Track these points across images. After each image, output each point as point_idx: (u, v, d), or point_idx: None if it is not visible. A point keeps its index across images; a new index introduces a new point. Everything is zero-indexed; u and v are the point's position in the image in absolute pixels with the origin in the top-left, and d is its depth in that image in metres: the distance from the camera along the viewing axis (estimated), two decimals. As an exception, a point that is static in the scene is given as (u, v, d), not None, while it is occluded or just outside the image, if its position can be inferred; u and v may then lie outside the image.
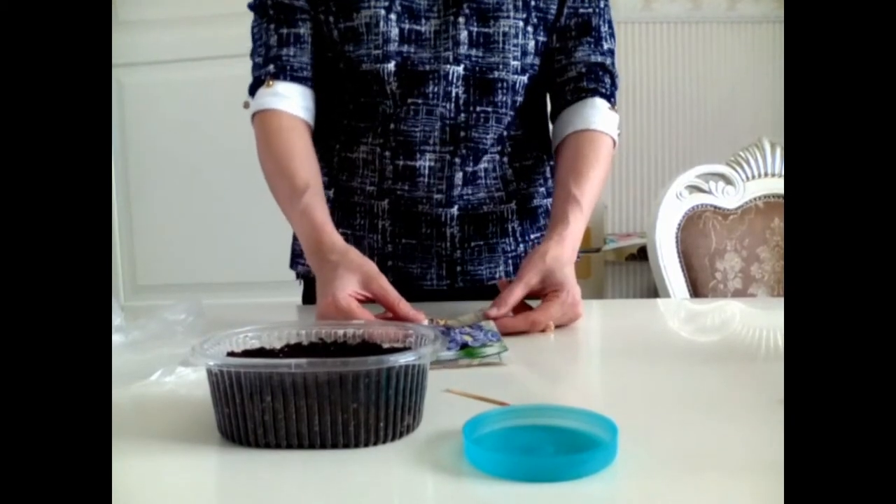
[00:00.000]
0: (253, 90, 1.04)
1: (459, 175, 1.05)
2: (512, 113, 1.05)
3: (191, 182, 2.69)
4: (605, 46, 1.07)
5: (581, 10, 1.05)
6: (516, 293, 0.87)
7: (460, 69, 1.00)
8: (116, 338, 0.83)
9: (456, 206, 1.06)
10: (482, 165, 1.07)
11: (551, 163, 1.15)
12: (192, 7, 2.62)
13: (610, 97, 1.06)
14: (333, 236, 0.90)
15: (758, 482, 0.47)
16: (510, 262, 1.10)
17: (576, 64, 1.06)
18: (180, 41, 2.63)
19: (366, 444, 0.52)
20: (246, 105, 1.06)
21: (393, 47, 0.99)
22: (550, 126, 1.12)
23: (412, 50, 1.00)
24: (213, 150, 2.59)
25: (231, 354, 0.58)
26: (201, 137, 2.63)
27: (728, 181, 1.46)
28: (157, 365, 0.71)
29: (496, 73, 1.01)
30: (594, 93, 1.05)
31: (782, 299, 1.07)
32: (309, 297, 1.15)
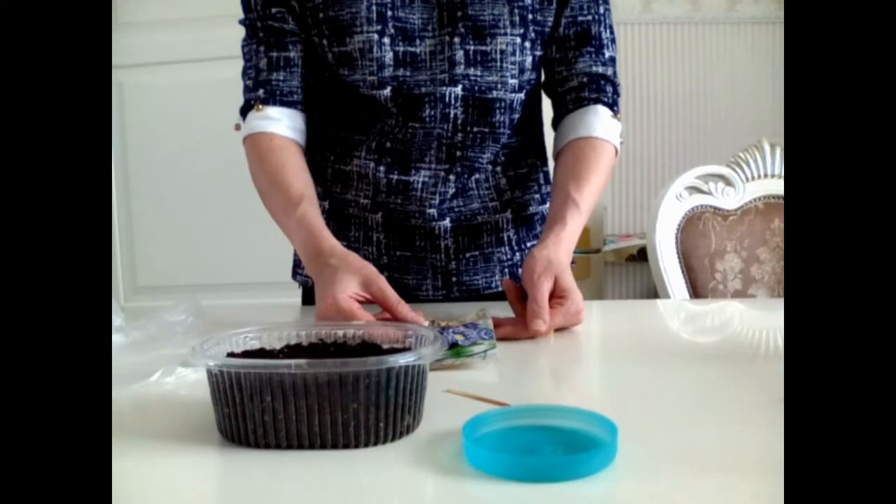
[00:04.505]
0: (244, 112, 1.04)
1: (452, 190, 1.05)
2: (509, 131, 1.05)
3: (191, 182, 2.69)
4: (607, 55, 1.05)
5: (580, 19, 1.03)
6: (545, 299, 0.84)
7: (458, 90, 0.98)
8: (116, 338, 0.83)
9: (448, 219, 1.06)
10: (475, 176, 1.06)
11: (545, 169, 1.14)
12: (192, 8, 2.62)
13: (612, 105, 1.05)
14: (332, 241, 0.90)
15: (758, 482, 0.47)
16: (506, 270, 1.10)
17: (577, 75, 1.04)
18: (180, 42, 2.63)
19: (366, 445, 0.52)
20: (237, 127, 1.05)
21: (388, 72, 0.97)
22: (549, 132, 1.12)
23: (408, 73, 0.98)
24: (214, 151, 2.59)
25: (231, 355, 0.58)
26: (201, 138, 2.63)
27: (728, 182, 1.46)
28: (158, 365, 0.71)
29: (494, 93, 1.00)
30: (596, 101, 1.04)
31: (782, 300, 1.07)
32: (308, 300, 1.15)
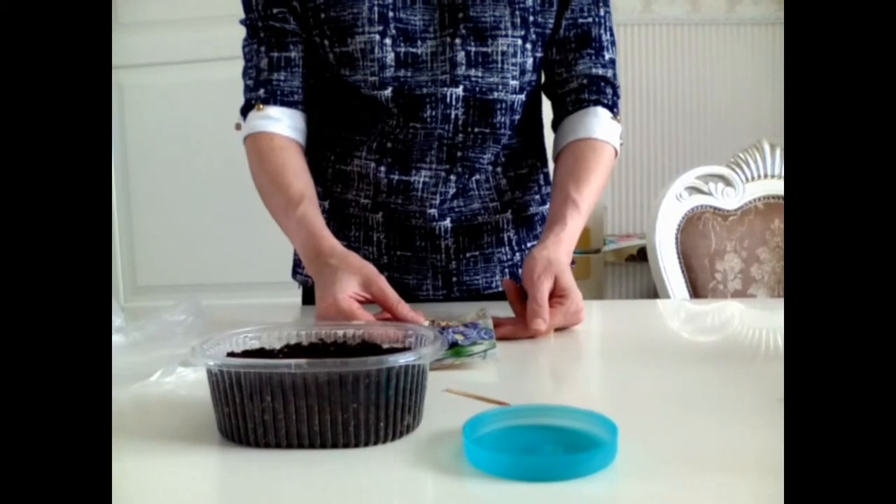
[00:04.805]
0: (244, 112, 1.04)
1: (453, 190, 1.05)
2: (510, 132, 1.05)
3: (191, 183, 2.69)
4: (607, 57, 1.05)
5: (580, 21, 1.03)
6: (545, 298, 0.84)
7: (459, 90, 0.99)
8: (117, 338, 0.83)
9: (449, 219, 1.06)
10: (475, 177, 1.07)
11: (545, 170, 1.14)
12: (192, 9, 2.62)
13: (612, 107, 1.05)
14: (332, 241, 0.90)
15: (758, 482, 0.47)
16: (506, 271, 1.10)
17: (577, 77, 1.05)
18: (180, 43, 2.63)
19: (366, 444, 0.52)
20: (238, 127, 1.06)
21: (389, 73, 0.98)
22: (549, 133, 1.12)
23: (409, 74, 0.98)
24: (213, 151, 2.59)
25: (231, 355, 0.58)
26: (201, 138, 2.63)
27: (728, 182, 1.47)
28: (158, 365, 0.71)
29: (495, 94, 1.00)
30: (596, 103, 1.04)
31: (782, 300, 1.07)
32: (308, 300, 1.15)
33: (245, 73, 1.04)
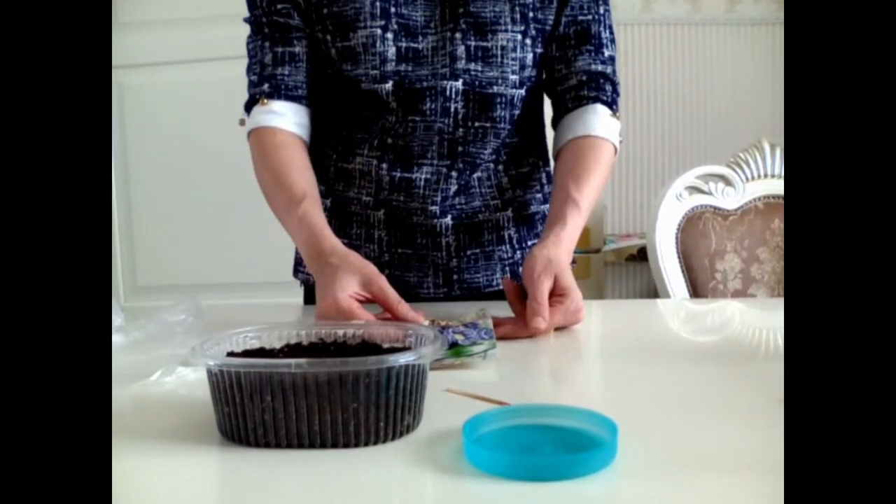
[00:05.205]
0: (248, 108, 1.04)
1: (454, 187, 1.05)
2: (510, 127, 1.05)
3: (191, 182, 2.69)
4: (606, 54, 1.05)
5: (580, 18, 1.04)
6: (545, 297, 0.84)
7: (459, 84, 0.99)
8: (116, 338, 0.83)
9: (450, 216, 1.06)
10: (477, 174, 1.07)
11: (547, 169, 1.14)
12: (192, 8, 2.62)
13: (611, 104, 1.06)
14: (333, 240, 0.91)
15: (758, 482, 0.47)
16: (507, 269, 1.10)
17: (576, 73, 1.05)
18: (181, 42, 2.63)
19: (366, 444, 0.52)
20: (242, 122, 1.06)
21: (390, 67, 0.98)
22: (551, 132, 1.12)
23: (409, 68, 0.99)
24: (214, 151, 2.59)
25: (231, 354, 0.58)
26: (201, 138, 2.63)
27: (728, 182, 1.46)
28: (158, 365, 0.71)
29: (495, 88, 1.00)
30: (595, 100, 1.05)
31: (782, 300, 1.07)
32: (310, 299, 1.15)
33: (249, 70, 1.05)
